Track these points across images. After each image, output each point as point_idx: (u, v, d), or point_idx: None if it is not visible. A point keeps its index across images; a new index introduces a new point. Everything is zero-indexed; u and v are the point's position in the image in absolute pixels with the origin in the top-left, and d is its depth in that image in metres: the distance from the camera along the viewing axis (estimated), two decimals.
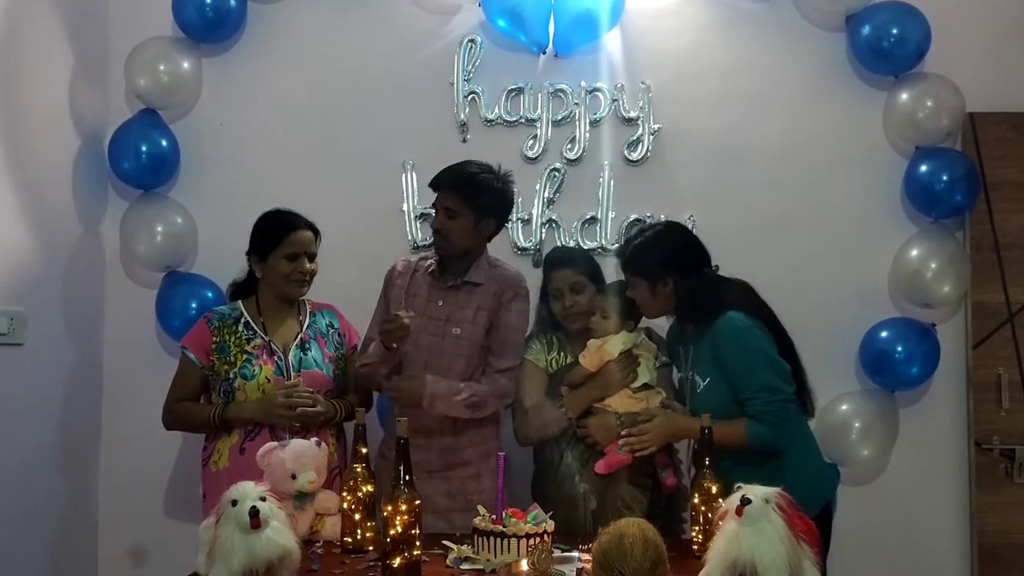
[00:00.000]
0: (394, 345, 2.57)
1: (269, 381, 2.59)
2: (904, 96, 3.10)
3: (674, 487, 2.62)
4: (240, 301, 2.73)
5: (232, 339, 2.64)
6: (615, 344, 2.65)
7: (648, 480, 2.62)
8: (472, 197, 2.65)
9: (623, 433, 2.54)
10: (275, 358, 2.64)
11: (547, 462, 2.68)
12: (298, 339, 2.68)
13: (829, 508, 2.54)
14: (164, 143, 3.18)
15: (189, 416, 2.67)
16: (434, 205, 2.73)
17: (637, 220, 3.21)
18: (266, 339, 2.65)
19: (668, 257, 2.57)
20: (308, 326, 2.72)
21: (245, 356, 2.62)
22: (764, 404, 2.41)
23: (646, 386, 2.65)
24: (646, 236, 2.62)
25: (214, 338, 2.64)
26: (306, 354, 2.67)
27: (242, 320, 2.67)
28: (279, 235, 2.64)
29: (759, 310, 2.52)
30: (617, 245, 2.68)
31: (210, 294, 3.16)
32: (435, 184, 2.71)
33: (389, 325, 2.55)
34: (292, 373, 2.63)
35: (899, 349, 3.04)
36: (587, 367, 2.65)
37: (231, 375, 2.61)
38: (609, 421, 2.61)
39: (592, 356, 2.65)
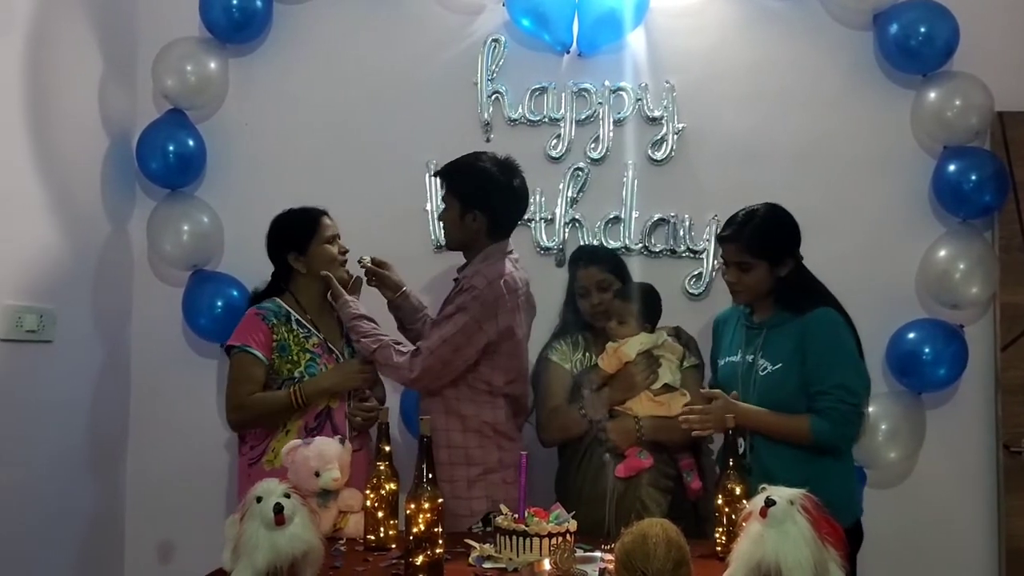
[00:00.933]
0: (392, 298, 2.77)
1: None
2: (932, 95, 3.06)
3: (699, 492, 2.60)
4: (280, 301, 2.71)
5: (291, 337, 2.65)
6: (632, 346, 2.64)
7: (670, 483, 2.61)
8: (453, 188, 2.66)
9: (683, 409, 2.50)
10: (334, 356, 2.69)
11: (569, 462, 2.69)
12: (344, 336, 2.73)
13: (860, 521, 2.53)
14: (191, 143, 3.21)
15: (266, 405, 2.60)
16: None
17: (662, 220, 3.20)
18: (321, 337, 2.68)
19: (789, 236, 2.53)
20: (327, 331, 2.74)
21: (308, 355, 2.65)
22: (836, 401, 2.38)
23: (669, 388, 2.64)
24: (765, 216, 2.52)
25: (274, 336, 2.64)
26: (354, 350, 2.72)
27: (292, 318, 2.68)
28: (313, 224, 2.70)
29: (846, 316, 2.52)
30: (727, 229, 2.52)
31: (235, 293, 3.19)
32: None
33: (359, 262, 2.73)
34: None
35: (926, 351, 3.01)
36: (605, 369, 2.65)
37: (295, 374, 2.62)
38: (628, 425, 2.60)
39: (610, 359, 2.65)
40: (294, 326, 2.66)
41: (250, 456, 2.66)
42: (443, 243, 3.19)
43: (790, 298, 2.51)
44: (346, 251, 2.75)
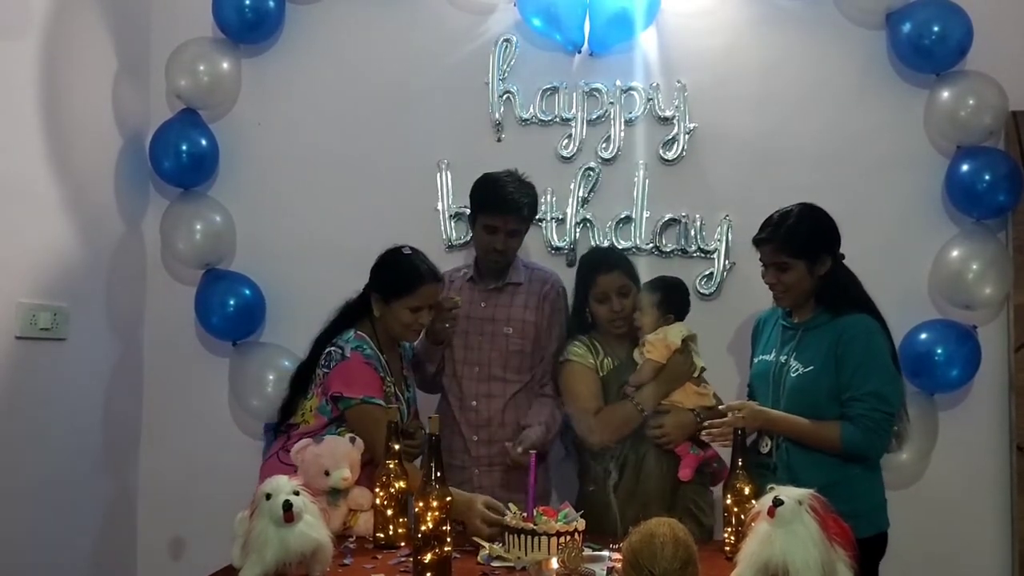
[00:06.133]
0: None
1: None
2: (946, 94, 3.04)
3: (723, 479, 2.57)
4: (364, 335, 2.54)
5: (387, 382, 2.55)
6: (676, 333, 2.63)
7: (707, 477, 2.61)
8: (532, 216, 2.83)
9: (706, 424, 2.46)
10: (399, 403, 2.58)
11: (602, 469, 2.55)
12: (406, 378, 2.68)
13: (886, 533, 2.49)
14: (204, 142, 3.23)
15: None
16: (489, 226, 2.75)
17: (673, 220, 3.20)
18: (392, 381, 2.57)
19: (826, 234, 2.50)
20: (404, 359, 2.71)
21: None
22: (869, 409, 2.35)
23: (701, 378, 2.63)
24: (799, 215, 2.49)
25: (384, 386, 2.52)
26: (410, 391, 2.69)
27: (381, 360, 2.55)
28: (411, 285, 2.53)
29: (884, 324, 2.49)
30: (763, 232, 2.50)
31: (247, 291, 3.21)
32: (501, 208, 2.73)
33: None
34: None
35: (939, 351, 2.99)
36: (657, 360, 2.61)
37: None
38: (686, 418, 2.57)
39: (658, 348, 2.62)
40: (381, 370, 2.54)
41: (274, 450, 2.58)
42: (454, 242, 3.23)
43: (830, 297, 2.48)
44: (424, 324, 2.59)
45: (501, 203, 2.73)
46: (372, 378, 2.49)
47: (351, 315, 2.60)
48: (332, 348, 2.53)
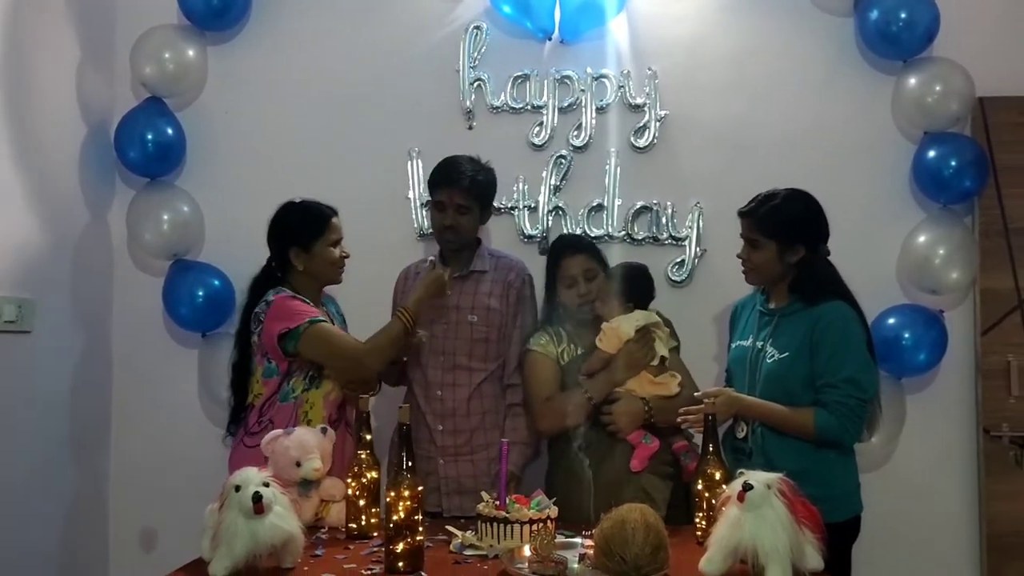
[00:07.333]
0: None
1: None
2: (913, 81, 3.07)
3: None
4: (283, 288, 2.59)
5: (323, 313, 2.62)
6: (630, 323, 2.62)
7: (670, 469, 2.59)
8: (481, 193, 2.77)
9: (682, 410, 2.45)
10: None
11: (561, 453, 2.63)
12: None
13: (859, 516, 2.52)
14: (170, 131, 3.18)
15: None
16: (438, 202, 2.76)
17: (644, 208, 3.20)
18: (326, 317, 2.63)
19: (805, 224, 2.50)
20: (330, 315, 2.71)
21: None
22: (843, 396, 2.36)
23: (662, 367, 2.62)
24: (784, 198, 2.50)
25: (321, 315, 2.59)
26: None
27: (309, 303, 2.60)
28: (322, 223, 2.62)
29: (860, 312, 2.50)
30: (747, 205, 2.52)
31: (217, 282, 3.17)
32: (447, 181, 2.74)
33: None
34: None
35: (907, 336, 3.02)
36: (606, 350, 2.61)
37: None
38: (636, 406, 2.56)
39: (609, 338, 2.61)
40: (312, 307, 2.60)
41: (242, 436, 2.58)
42: (426, 231, 3.21)
43: (804, 287, 2.49)
44: (347, 256, 2.68)
45: (446, 176, 2.75)
46: (306, 306, 2.54)
47: (262, 290, 2.61)
48: (255, 311, 2.56)
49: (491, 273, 2.82)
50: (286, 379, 2.54)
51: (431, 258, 2.86)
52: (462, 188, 2.73)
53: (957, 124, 3.10)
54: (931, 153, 3.04)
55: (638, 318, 2.64)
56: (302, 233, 2.62)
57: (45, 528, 2.97)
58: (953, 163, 3.01)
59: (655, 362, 2.61)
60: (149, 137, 3.14)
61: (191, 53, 3.20)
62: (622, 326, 2.61)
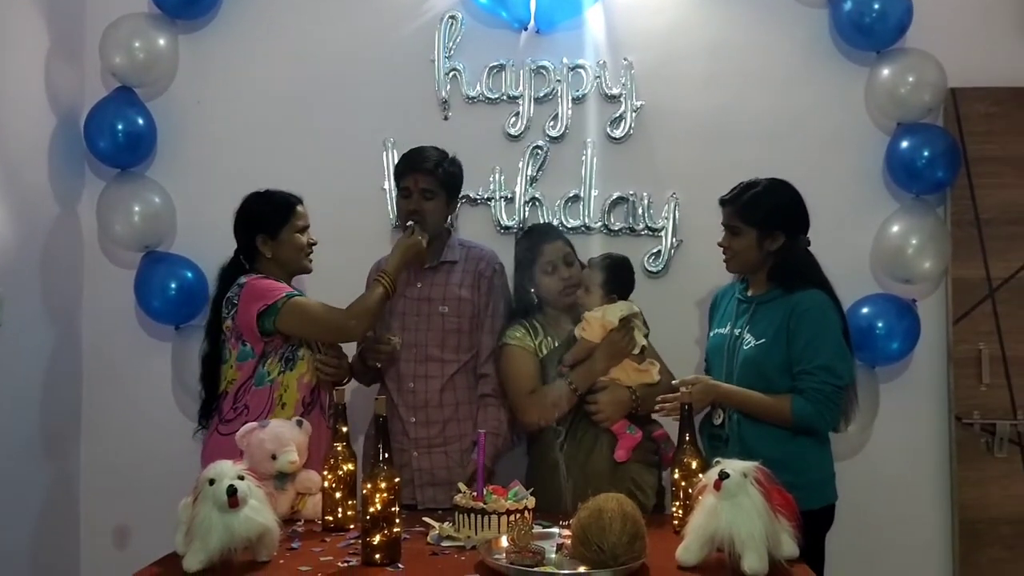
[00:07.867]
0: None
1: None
2: (886, 72, 3.09)
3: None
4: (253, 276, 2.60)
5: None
6: (614, 311, 2.61)
7: (655, 457, 2.60)
8: (447, 180, 2.75)
9: (659, 398, 2.46)
10: None
11: (547, 447, 2.61)
12: None
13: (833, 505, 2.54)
14: (140, 121, 3.14)
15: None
16: (403, 188, 2.75)
17: (621, 199, 3.20)
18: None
19: (785, 212, 2.52)
20: None
21: None
22: (819, 383, 2.38)
23: (641, 356, 2.62)
24: (765, 187, 2.53)
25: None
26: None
27: None
28: (288, 211, 2.64)
29: (837, 301, 2.52)
30: (729, 193, 2.56)
31: (189, 274, 3.14)
32: (410, 166, 2.74)
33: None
34: None
35: (880, 325, 3.05)
36: (591, 339, 2.60)
37: (293, 342, 2.56)
38: (622, 395, 2.56)
39: (593, 327, 2.61)
40: None
41: (216, 423, 2.56)
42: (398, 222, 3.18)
43: (782, 275, 2.51)
44: (314, 243, 2.70)
45: (410, 162, 2.75)
46: (280, 284, 2.57)
47: (231, 280, 2.61)
48: (228, 296, 2.57)
49: (462, 263, 2.80)
50: (261, 361, 2.54)
51: (409, 223, 2.75)
52: (426, 171, 2.72)
53: (930, 115, 3.12)
54: (904, 144, 3.07)
55: (621, 308, 2.64)
56: (268, 220, 2.63)
57: (14, 526, 2.92)
58: (926, 154, 3.04)
59: (636, 351, 2.61)
60: (119, 127, 3.09)
61: (162, 42, 3.15)
62: (607, 315, 2.61)
